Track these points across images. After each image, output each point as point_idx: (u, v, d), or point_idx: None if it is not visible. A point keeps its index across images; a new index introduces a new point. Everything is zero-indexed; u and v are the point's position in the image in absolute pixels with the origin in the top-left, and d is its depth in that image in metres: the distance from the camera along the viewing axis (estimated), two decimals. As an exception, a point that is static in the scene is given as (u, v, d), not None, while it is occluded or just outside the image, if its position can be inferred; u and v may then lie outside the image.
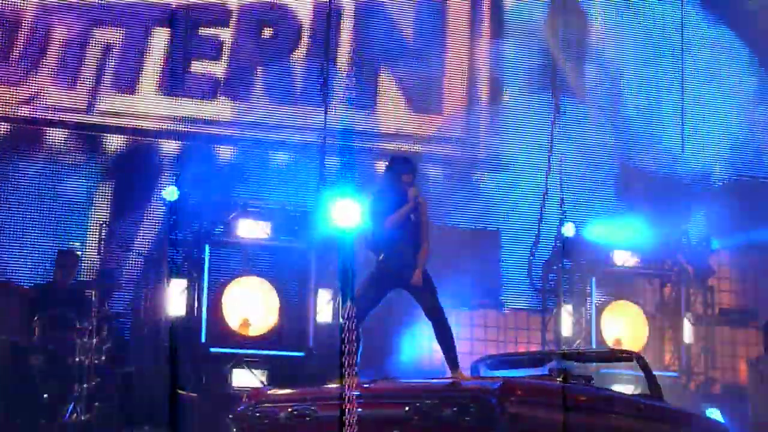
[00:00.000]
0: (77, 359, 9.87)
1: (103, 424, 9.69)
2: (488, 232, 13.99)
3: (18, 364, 9.72)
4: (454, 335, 8.75)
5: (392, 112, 14.96)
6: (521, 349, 13.15)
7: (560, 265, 14.02)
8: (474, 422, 7.26)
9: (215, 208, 12.75)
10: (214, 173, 13.51)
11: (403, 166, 8.95)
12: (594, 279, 13.97)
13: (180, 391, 11.13)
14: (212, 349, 12.10)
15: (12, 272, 12.62)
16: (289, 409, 8.05)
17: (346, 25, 14.47)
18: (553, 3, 15.18)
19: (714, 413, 13.51)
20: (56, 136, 14.00)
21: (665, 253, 14.48)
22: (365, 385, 8.24)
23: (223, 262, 12.80)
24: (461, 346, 8.96)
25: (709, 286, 14.69)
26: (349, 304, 7.09)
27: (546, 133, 14.78)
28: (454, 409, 7.37)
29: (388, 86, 15.04)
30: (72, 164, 13.85)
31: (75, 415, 9.66)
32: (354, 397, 7.87)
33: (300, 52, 14.51)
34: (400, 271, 8.67)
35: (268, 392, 8.57)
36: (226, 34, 14.43)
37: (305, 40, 14.64)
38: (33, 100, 13.95)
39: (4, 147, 13.71)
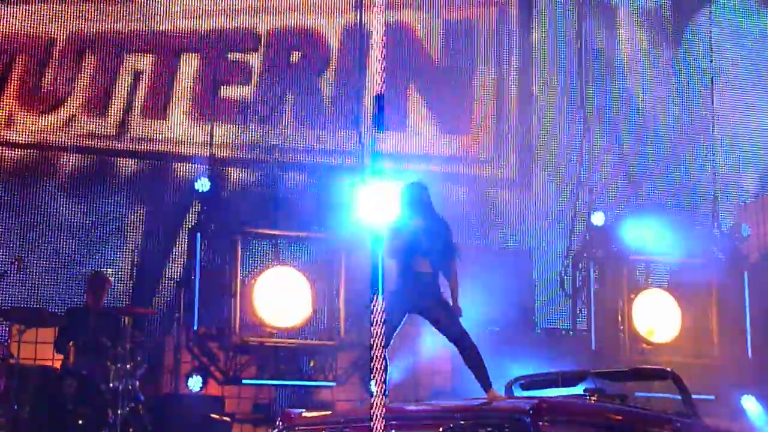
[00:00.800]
0: (111, 385, 9.88)
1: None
2: (519, 251, 13.95)
3: (52, 390, 9.72)
4: (483, 356, 8.67)
5: (422, 133, 14.98)
6: (555, 369, 13.08)
7: (591, 253, 14.10)
8: (508, 442, 7.24)
9: (247, 199, 12.89)
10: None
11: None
12: (625, 269, 13.97)
13: (213, 416, 11.18)
14: (246, 339, 12.35)
15: (45, 298, 12.71)
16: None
17: (376, 47, 14.45)
18: (580, 26, 15.13)
19: (749, 400, 13.45)
20: (88, 162, 14.08)
21: (696, 240, 14.42)
22: (398, 407, 8.21)
23: (255, 253, 12.93)
24: (493, 368, 8.89)
25: (741, 272, 14.44)
26: (377, 297, 7.10)
27: (574, 151, 14.79)
28: (488, 429, 7.31)
29: (417, 107, 15.07)
30: (103, 190, 13.93)
31: (109, 440, 9.68)
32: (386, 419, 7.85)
33: (329, 76, 14.56)
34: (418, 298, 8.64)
35: (302, 415, 8.51)
36: (254, 59, 14.48)
37: (334, 63, 14.69)
38: (65, 127, 14.06)
39: (37, 174, 13.79)
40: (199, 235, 12.60)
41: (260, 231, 12.88)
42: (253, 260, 12.94)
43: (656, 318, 13.97)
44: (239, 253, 12.52)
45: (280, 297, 12.62)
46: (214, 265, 12.56)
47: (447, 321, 8.65)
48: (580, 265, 14.34)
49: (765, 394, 13.45)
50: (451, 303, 8.74)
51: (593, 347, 13.73)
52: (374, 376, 7.38)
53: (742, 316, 14.08)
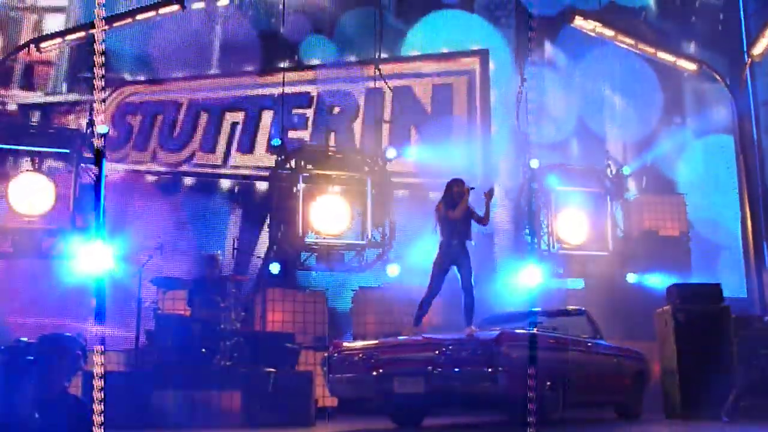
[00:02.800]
0: (221, 326, 9.93)
1: (239, 367, 9.72)
2: (486, 234, 13.86)
3: (185, 330, 9.79)
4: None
5: (421, 157, 14.98)
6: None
7: (530, 186, 13.98)
8: (481, 359, 7.30)
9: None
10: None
11: (453, 183, 8.61)
12: (552, 195, 13.91)
13: (287, 345, 11.18)
14: (307, 240, 12.54)
15: (178, 271, 12.81)
16: (360, 355, 8.09)
17: (387, 100, 14.44)
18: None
19: (632, 277, 13.48)
20: (205, 182, 14.15)
21: (596, 177, 14.27)
22: (410, 338, 8.27)
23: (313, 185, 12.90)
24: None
25: (624, 199, 14.43)
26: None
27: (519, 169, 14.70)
28: (468, 352, 7.39)
29: (417, 141, 15.04)
30: (214, 200, 13.99)
31: (222, 361, 9.71)
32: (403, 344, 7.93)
33: (359, 121, 14.49)
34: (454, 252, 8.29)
35: (345, 344, 8.59)
36: (309, 112, 14.50)
37: (361, 112, 14.64)
38: (189, 160, 14.13)
39: (173, 191, 13.86)
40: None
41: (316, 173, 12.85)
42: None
43: (572, 229, 13.87)
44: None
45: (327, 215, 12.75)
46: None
47: (467, 271, 8.30)
48: (521, 201, 14.30)
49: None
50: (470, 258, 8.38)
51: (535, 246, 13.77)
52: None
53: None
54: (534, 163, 13.96)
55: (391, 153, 13.39)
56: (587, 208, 13.93)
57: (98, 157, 12.36)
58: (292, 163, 12.89)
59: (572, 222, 13.83)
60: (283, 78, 13.68)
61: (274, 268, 12.34)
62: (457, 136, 14.85)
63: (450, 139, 14.69)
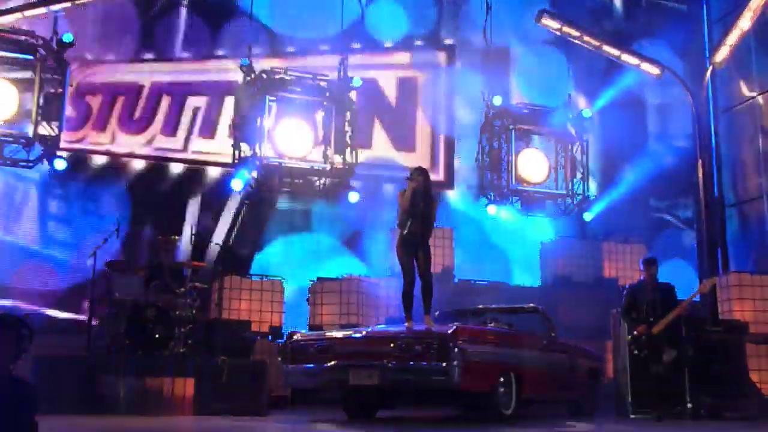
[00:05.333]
0: (177, 312, 9.86)
1: (194, 354, 9.69)
2: (445, 230, 13.94)
3: (139, 315, 9.70)
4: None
5: (383, 149, 14.97)
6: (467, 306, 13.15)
7: (492, 125, 14.55)
8: (435, 353, 7.31)
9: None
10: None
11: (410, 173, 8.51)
12: (513, 134, 14.55)
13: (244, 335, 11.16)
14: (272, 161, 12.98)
15: (133, 255, 12.66)
16: (315, 345, 8.08)
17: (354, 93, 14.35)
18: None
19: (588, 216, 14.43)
20: (164, 166, 13.98)
21: (557, 118, 14.87)
22: (365, 330, 8.27)
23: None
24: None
25: (586, 138, 15.06)
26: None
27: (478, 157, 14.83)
28: (423, 345, 7.40)
29: (379, 133, 15.04)
30: (172, 184, 13.83)
31: (176, 348, 9.65)
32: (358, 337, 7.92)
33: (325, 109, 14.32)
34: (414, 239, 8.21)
35: (301, 334, 8.56)
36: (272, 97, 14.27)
37: (328, 102, 14.41)
38: (149, 143, 13.95)
39: (128, 174, 13.67)
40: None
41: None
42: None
43: (532, 168, 14.63)
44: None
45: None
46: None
47: (427, 260, 8.22)
48: (483, 140, 14.68)
49: None
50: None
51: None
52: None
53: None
54: (497, 100, 14.30)
55: (356, 82, 13.65)
56: (547, 147, 14.66)
57: (62, 67, 12.31)
58: (258, 85, 13.15)
59: (533, 161, 14.52)
60: (250, 61, 13.51)
61: (237, 183, 12.75)
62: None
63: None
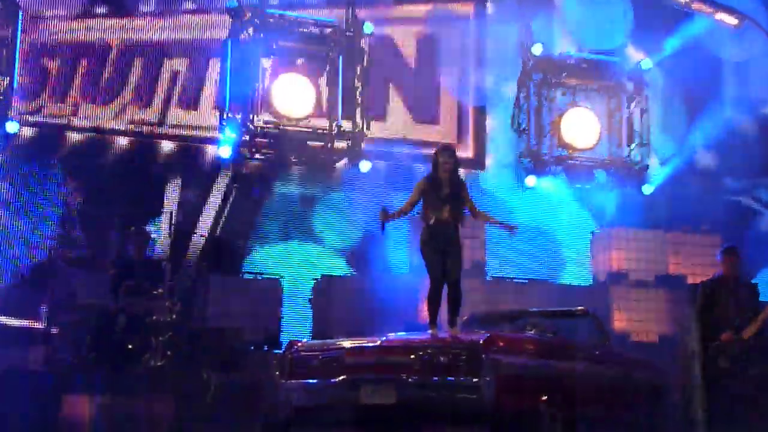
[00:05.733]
0: (153, 318, 9.88)
1: (173, 369, 9.70)
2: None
3: (107, 323, 9.73)
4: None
5: (399, 122, 14.90)
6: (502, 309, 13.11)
7: (531, 79, 14.57)
8: (464, 366, 7.27)
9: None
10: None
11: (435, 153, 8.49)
12: (556, 90, 14.56)
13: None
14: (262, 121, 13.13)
15: (100, 251, 12.67)
16: (320, 356, 8.05)
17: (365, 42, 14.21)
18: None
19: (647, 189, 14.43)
20: (137, 143, 13.99)
21: (610, 71, 14.86)
22: (380, 338, 8.25)
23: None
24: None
25: (645, 96, 15.02)
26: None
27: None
28: (450, 356, 7.37)
29: (395, 100, 14.98)
30: (147, 165, 13.84)
31: (152, 361, 9.68)
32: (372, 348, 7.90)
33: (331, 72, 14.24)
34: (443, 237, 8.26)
35: (304, 343, 8.53)
36: (266, 64, 14.22)
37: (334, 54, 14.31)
38: (118, 115, 13.96)
39: (95, 152, 13.69)
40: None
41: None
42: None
43: (579, 131, 14.60)
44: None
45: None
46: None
47: (457, 262, 8.27)
48: (520, 98, 14.71)
49: None
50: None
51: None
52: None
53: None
54: (537, 49, 14.16)
55: (368, 28, 13.75)
56: (598, 106, 14.53)
57: (13, 11, 12.35)
58: (250, 31, 13.27)
59: (580, 123, 14.38)
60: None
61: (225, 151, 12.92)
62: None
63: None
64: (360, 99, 13.65)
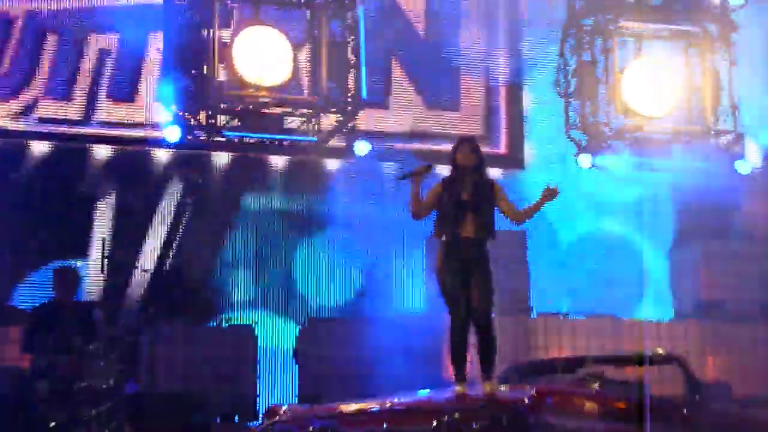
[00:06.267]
0: (85, 384, 9.85)
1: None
2: (513, 233, 13.94)
3: (23, 391, 9.70)
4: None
5: (406, 110, 14.92)
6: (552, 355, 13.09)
7: (581, 26, 14.64)
8: (506, 434, 7.27)
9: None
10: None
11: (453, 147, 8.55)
12: (615, 40, 14.54)
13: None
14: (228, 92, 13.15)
15: (9, 295, 12.67)
16: (310, 428, 8.02)
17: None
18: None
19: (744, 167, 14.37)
20: (51, 149, 14.00)
21: (687, 11, 14.85)
22: (391, 399, 8.23)
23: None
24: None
25: (732, 42, 14.92)
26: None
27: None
28: (484, 421, 7.34)
29: (400, 81, 15.00)
30: (69, 178, 13.85)
31: (85, 441, 9.67)
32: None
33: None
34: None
35: (289, 410, 8.52)
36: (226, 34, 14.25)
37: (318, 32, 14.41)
38: (27, 112, 13.97)
39: (2, 162, 13.71)
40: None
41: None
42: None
43: (647, 91, 14.55)
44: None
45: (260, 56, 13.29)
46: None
47: (481, 293, 8.28)
48: (566, 50, 14.78)
49: None
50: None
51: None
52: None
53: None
54: None
55: None
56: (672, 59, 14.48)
57: None
58: None
59: (647, 82, 14.30)
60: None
61: (171, 134, 13.05)
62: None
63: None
64: (352, 55, 13.66)
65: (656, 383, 9.45)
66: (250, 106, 13.33)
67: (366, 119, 13.97)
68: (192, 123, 13.21)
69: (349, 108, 13.60)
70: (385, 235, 14.03)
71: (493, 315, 8.26)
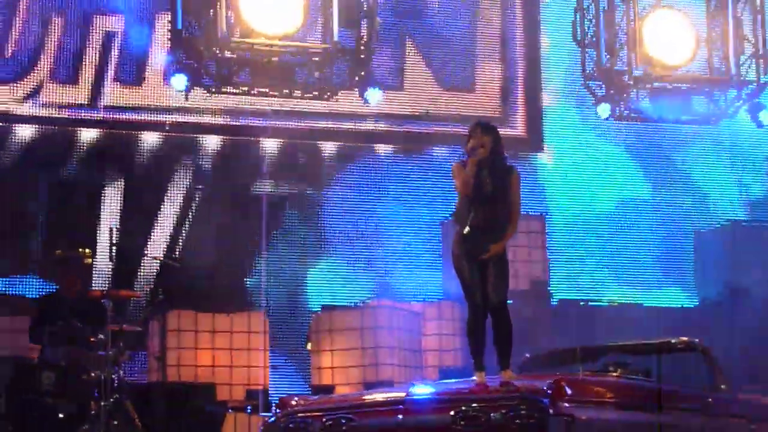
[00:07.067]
0: (92, 374, 9.83)
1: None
2: (532, 217, 13.89)
3: (28, 383, 9.67)
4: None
5: (421, 91, 14.88)
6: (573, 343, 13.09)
7: None
8: (525, 425, 7.20)
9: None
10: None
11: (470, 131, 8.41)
12: None
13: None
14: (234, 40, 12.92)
15: (14, 284, 12.67)
16: (324, 419, 7.99)
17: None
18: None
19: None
20: (58, 133, 14.01)
21: None
22: (405, 389, 8.20)
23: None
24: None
25: None
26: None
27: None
28: (503, 411, 7.29)
29: (414, 61, 14.95)
30: (77, 164, 13.86)
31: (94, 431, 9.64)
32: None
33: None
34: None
35: (301, 401, 8.48)
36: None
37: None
38: (32, 96, 13.97)
39: (4, 146, 13.72)
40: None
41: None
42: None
43: (667, 39, 14.44)
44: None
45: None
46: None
47: (495, 282, 8.25)
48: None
49: None
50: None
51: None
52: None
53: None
54: None
55: None
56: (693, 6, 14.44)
57: None
58: None
59: (668, 29, 14.26)
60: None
61: (178, 82, 12.85)
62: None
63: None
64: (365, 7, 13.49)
65: (679, 372, 9.43)
66: (259, 55, 13.18)
67: (384, 101, 13.90)
68: (200, 72, 13.11)
69: (362, 56, 13.52)
70: (400, 221, 14.03)
71: (509, 302, 8.24)
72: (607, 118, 14.39)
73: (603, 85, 14.40)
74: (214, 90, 13.33)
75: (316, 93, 13.58)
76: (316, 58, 13.33)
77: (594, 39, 14.44)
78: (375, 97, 13.50)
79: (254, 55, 13.12)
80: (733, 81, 14.58)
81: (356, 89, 13.50)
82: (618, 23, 14.42)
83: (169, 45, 13.21)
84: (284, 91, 13.44)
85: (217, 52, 13.01)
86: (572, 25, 14.54)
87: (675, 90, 14.52)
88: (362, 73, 13.50)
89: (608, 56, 14.35)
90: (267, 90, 13.36)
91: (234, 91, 13.42)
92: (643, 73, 14.34)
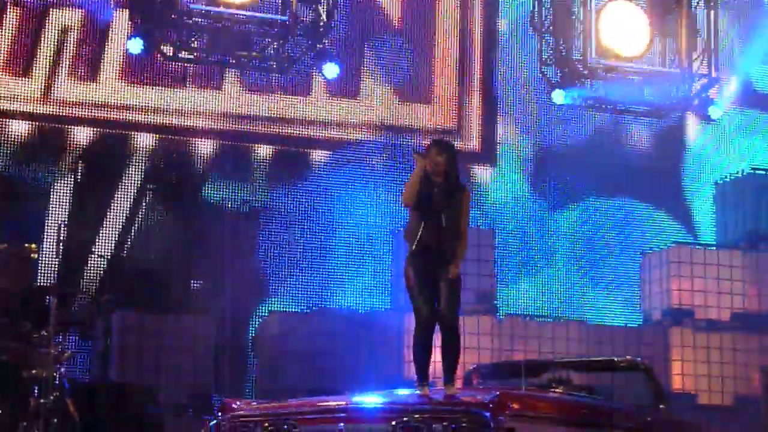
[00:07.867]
0: (32, 372, 9.77)
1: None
2: (481, 231, 13.95)
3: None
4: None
5: (377, 101, 14.92)
6: (517, 357, 13.15)
7: None
8: (466, 439, 7.27)
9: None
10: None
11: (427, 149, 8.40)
12: None
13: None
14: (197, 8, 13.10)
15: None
16: (265, 424, 8.01)
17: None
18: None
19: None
20: (7, 127, 13.93)
21: None
22: (349, 398, 8.22)
23: None
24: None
25: None
26: None
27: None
28: (445, 424, 7.30)
29: (372, 73, 15.00)
30: (26, 159, 13.78)
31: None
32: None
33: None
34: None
35: (243, 405, 8.49)
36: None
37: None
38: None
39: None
40: None
41: None
42: None
43: (622, 32, 14.69)
44: None
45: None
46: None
47: (448, 294, 8.28)
48: None
49: None
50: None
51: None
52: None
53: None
54: None
55: None
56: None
57: None
58: None
59: (624, 22, 14.45)
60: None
61: (134, 46, 13.02)
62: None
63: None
64: None
65: (621, 390, 9.51)
66: (217, 23, 13.29)
67: (339, 108, 13.97)
68: (156, 37, 13.21)
69: (321, 29, 13.61)
70: (351, 228, 14.05)
71: (459, 315, 8.25)
72: (561, 105, 14.62)
73: (558, 72, 14.63)
74: (170, 55, 13.34)
75: (273, 64, 13.69)
76: (275, 30, 13.43)
77: (551, 27, 14.66)
78: (332, 71, 13.63)
79: (213, 22, 13.20)
80: (685, 75, 14.80)
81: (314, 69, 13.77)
82: (575, 12, 14.60)
83: (129, 10, 13.28)
84: (241, 60, 13.53)
85: (175, 17, 13.08)
86: (530, 15, 14.77)
87: (628, 81, 14.79)
88: (319, 46, 13.61)
89: (563, 44, 14.60)
90: (222, 57, 13.46)
91: (189, 57, 13.49)
92: (596, 62, 14.55)
